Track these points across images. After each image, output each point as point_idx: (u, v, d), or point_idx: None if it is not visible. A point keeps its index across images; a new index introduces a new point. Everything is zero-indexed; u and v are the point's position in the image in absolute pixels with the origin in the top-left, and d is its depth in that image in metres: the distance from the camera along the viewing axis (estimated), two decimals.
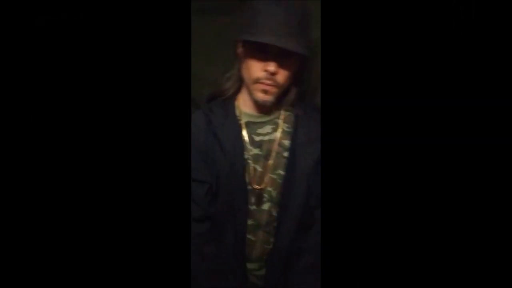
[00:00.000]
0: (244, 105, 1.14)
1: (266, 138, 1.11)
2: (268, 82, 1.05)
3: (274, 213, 1.09)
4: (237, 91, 1.15)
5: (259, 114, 1.13)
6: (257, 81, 1.06)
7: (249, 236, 1.09)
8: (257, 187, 1.08)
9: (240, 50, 1.09)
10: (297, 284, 1.09)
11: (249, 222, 1.09)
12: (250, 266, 1.10)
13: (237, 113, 1.13)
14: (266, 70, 1.04)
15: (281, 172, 1.09)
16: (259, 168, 1.10)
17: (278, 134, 1.11)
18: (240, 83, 1.13)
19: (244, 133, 1.11)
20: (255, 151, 1.10)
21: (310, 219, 1.11)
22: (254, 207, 1.09)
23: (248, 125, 1.12)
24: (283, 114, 1.13)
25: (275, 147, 1.10)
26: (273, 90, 1.06)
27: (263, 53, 1.03)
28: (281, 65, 1.04)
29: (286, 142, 1.11)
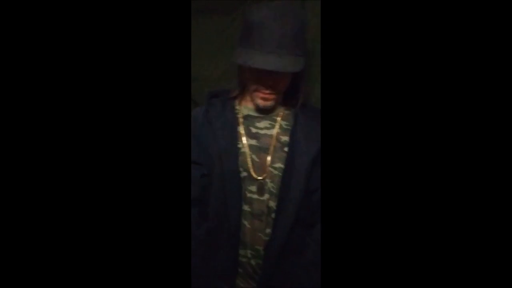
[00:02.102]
0: (245, 101, 1.21)
1: (263, 132, 1.16)
2: (267, 91, 1.12)
3: (272, 205, 1.11)
4: (240, 93, 1.22)
5: (258, 112, 1.18)
6: (256, 90, 1.13)
7: (244, 222, 1.11)
8: (258, 177, 1.11)
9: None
10: (298, 281, 1.09)
11: (246, 208, 1.12)
12: (242, 252, 1.12)
13: (237, 107, 1.20)
14: (263, 84, 1.11)
15: (281, 165, 1.12)
16: (256, 159, 1.13)
17: (276, 130, 1.16)
18: (242, 87, 1.20)
19: (241, 125, 1.17)
20: (252, 142, 1.15)
21: (311, 217, 1.13)
22: (255, 196, 1.12)
23: (246, 118, 1.18)
24: (282, 112, 1.19)
25: (273, 141, 1.14)
26: (273, 96, 1.14)
27: (259, 70, 1.06)
28: (278, 76, 1.09)
29: (284, 138, 1.15)
